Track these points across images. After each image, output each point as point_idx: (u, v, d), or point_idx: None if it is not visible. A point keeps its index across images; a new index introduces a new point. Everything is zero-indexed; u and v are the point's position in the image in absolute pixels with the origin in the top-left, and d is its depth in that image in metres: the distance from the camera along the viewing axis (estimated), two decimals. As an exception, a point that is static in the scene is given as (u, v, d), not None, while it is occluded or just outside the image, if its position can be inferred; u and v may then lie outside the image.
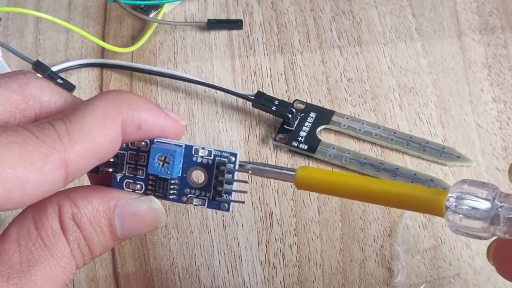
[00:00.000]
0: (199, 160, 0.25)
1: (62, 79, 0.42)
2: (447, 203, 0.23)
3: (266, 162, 0.40)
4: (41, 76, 0.41)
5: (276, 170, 0.26)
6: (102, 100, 0.23)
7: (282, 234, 0.37)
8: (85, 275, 0.36)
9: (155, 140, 0.24)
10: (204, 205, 0.25)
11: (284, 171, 0.25)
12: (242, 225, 0.38)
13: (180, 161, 0.25)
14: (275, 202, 0.38)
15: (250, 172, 0.25)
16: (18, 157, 0.20)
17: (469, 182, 0.23)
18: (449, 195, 0.23)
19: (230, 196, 0.25)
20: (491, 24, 0.45)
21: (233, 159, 0.25)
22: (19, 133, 0.20)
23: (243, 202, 0.25)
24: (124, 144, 0.25)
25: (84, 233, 0.23)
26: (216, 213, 0.38)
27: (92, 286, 0.36)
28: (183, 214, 0.38)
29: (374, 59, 0.44)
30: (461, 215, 0.23)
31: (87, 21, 0.46)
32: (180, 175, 0.25)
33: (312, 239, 0.37)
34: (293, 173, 0.25)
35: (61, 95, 0.24)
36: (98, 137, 0.22)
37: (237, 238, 0.37)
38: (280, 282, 0.36)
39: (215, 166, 0.25)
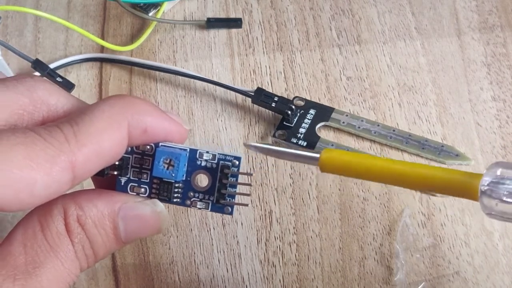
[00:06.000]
0: (203, 163, 0.25)
1: (62, 77, 0.42)
2: (482, 187, 0.22)
3: (267, 159, 0.40)
4: (39, 74, 0.41)
5: (298, 153, 0.26)
6: (108, 104, 0.23)
7: (282, 232, 0.37)
8: (85, 273, 0.36)
9: (160, 143, 0.25)
10: (208, 209, 0.25)
11: (307, 153, 0.26)
12: (242, 224, 0.38)
13: (185, 165, 0.25)
14: (274, 201, 0.38)
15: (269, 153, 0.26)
16: (26, 158, 0.20)
17: (503, 164, 0.22)
18: (484, 178, 0.22)
19: (233, 199, 0.25)
20: (490, 22, 0.45)
21: (237, 162, 0.25)
22: (26, 135, 0.21)
23: (247, 205, 0.26)
24: (129, 148, 0.25)
25: (88, 235, 0.23)
26: (215, 211, 0.38)
27: (92, 283, 0.36)
28: (182, 213, 0.38)
29: (374, 57, 0.44)
30: (497, 200, 0.22)
31: (87, 19, 0.46)
32: (184, 178, 0.25)
33: (311, 237, 0.37)
34: (318, 155, 0.25)
35: (68, 99, 0.24)
36: (104, 140, 0.22)
37: (236, 236, 0.37)
38: (280, 280, 0.36)
39: (219, 170, 0.25)
